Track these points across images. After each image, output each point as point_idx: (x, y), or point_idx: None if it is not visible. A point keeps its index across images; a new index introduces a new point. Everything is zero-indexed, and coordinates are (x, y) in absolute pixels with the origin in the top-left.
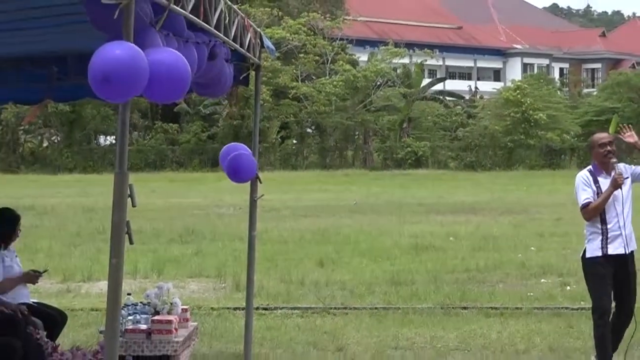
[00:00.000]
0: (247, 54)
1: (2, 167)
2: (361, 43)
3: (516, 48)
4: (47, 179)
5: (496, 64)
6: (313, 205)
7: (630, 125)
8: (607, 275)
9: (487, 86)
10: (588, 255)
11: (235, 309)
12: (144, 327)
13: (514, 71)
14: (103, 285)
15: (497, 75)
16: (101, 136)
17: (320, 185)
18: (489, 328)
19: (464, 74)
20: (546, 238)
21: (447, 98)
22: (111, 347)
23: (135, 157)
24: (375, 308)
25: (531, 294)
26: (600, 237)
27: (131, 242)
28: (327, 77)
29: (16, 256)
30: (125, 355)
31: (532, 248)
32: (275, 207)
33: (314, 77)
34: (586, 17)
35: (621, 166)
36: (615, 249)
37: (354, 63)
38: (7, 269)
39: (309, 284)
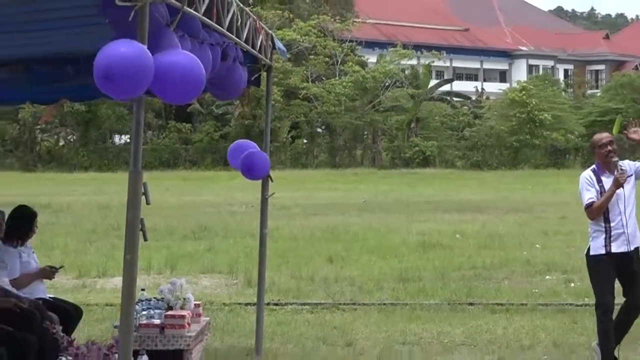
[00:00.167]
0: (259, 55)
1: (19, 165)
2: (370, 45)
3: (522, 50)
4: (63, 177)
5: (502, 65)
6: (323, 203)
7: (637, 121)
8: (611, 273)
9: (493, 87)
10: (592, 253)
11: (246, 304)
12: (157, 322)
13: (520, 72)
14: (118, 281)
15: (503, 76)
16: (116, 135)
17: (330, 183)
18: (495, 324)
19: (471, 75)
20: (551, 236)
21: (454, 99)
22: (126, 341)
23: (150, 156)
24: (384, 304)
25: (536, 290)
26: (604, 235)
27: (145, 239)
28: (337, 78)
29: (33, 252)
30: (139, 350)
31: (537, 246)
32: (286, 205)
33: (324, 78)
34: (590, 19)
35: (625, 163)
36: (618, 247)
37: (363, 64)
38: (24, 264)
39: (318, 280)
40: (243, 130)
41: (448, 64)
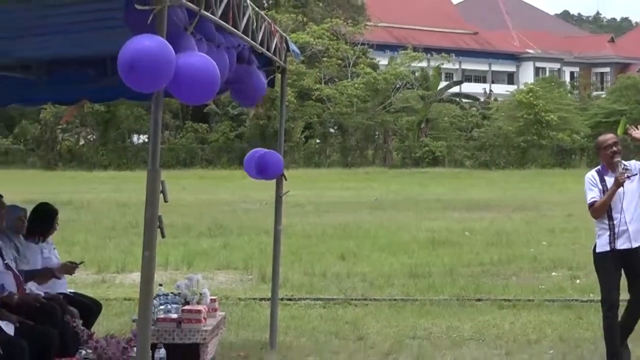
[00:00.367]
0: (274, 57)
1: (41, 164)
2: (381, 48)
3: (529, 53)
4: (83, 175)
5: (510, 67)
6: (335, 201)
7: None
8: (616, 269)
9: (501, 89)
10: (598, 250)
11: (261, 299)
12: (174, 316)
13: (527, 75)
14: (136, 276)
15: (510, 78)
16: (134, 135)
17: (342, 182)
18: (502, 319)
19: (479, 77)
20: (557, 234)
21: (463, 100)
22: (144, 335)
23: (167, 155)
24: (394, 299)
25: (542, 286)
26: (608, 233)
27: (163, 236)
28: (349, 79)
29: (54, 248)
30: (156, 343)
31: (544, 243)
32: (299, 203)
33: (336, 80)
34: (596, 23)
35: (631, 163)
36: (622, 243)
37: (375, 66)
38: (45, 260)
39: (331, 276)
40: (258, 131)
41: (457, 66)
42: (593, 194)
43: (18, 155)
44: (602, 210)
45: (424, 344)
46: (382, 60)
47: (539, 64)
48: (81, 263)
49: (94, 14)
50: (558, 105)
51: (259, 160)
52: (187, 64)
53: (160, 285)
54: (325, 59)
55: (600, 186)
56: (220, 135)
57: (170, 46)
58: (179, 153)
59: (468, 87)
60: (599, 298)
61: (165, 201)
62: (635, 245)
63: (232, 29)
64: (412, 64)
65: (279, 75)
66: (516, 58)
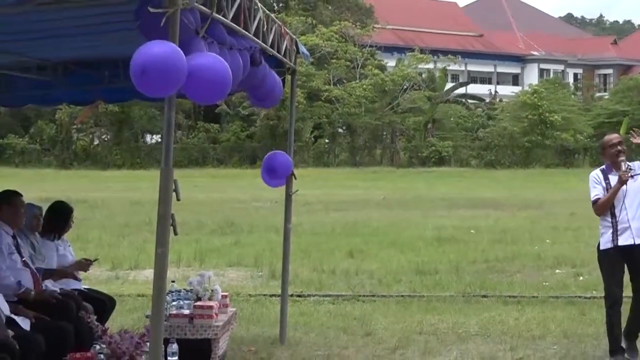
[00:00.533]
0: (284, 59)
1: (56, 163)
2: (389, 49)
3: (533, 55)
4: (98, 174)
5: (515, 69)
6: (344, 200)
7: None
8: (619, 266)
9: (506, 90)
10: (601, 247)
11: (271, 295)
12: (186, 312)
13: (531, 76)
14: (149, 273)
15: (515, 79)
16: (148, 135)
17: (351, 181)
18: (507, 315)
19: (485, 79)
20: (560, 231)
21: (469, 101)
22: (156, 330)
23: (180, 155)
24: (401, 296)
25: (546, 283)
26: (611, 230)
27: (175, 233)
28: (357, 81)
29: (69, 246)
30: (169, 338)
31: (548, 241)
32: (308, 201)
33: (345, 81)
34: (599, 26)
35: (636, 164)
36: (625, 240)
37: (383, 68)
38: (60, 257)
39: (339, 273)
40: (268, 131)
41: (463, 67)
42: (597, 192)
43: (34, 155)
44: (605, 208)
45: (431, 339)
46: (390, 62)
47: (543, 66)
48: (95, 260)
49: (108, 16)
50: (562, 106)
51: (268, 160)
52: (199, 64)
53: (173, 281)
54: (334, 60)
55: (604, 184)
56: (232, 135)
57: (181, 52)
58: (191, 152)
59: (474, 89)
60: (602, 295)
61: (178, 199)
62: (638, 241)
63: (244, 31)
64: (419, 66)
65: (289, 77)
66: (521, 60)
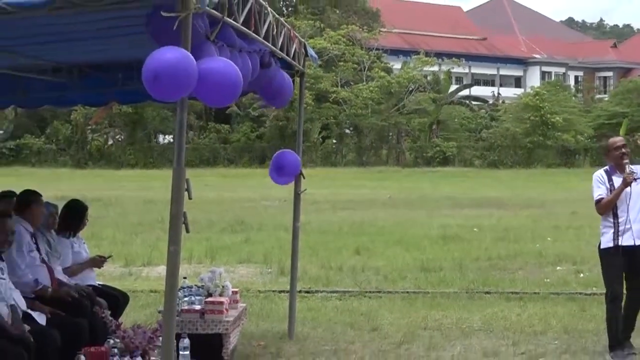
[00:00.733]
0: (293, 62)
1: (72, 163)
2: (395, 52)
3: (535, 58)
4: (112, 173)
5: (517, 72)
6: (351, 199)
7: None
8: (619, 264)
9: (508, 92)
10: (602, 246)
11: (280, 292)
12: (198, 307)
13: (533, 78)
14: (161, 269)
15: (518, 82)
16: (160, 135)
17: (357, 181)
18: (510, 311)
19: (488, 81)
20: (562, 230)
21: (473, 102)
22: (169, 325)
23: (191, 155)
24: (407, 292)
25: (548, 280)
26: (613, 230)
27: (187, 231)
28: (364, 83)
29: (84, 243)
30: (181, 333)
31: (549, 239)
32: (316, 200)
33: (352, 83)
34: (599, 29)
35: (638, 168)
36: (625, 240)
37: (389, 70)
38: (75, 254)
39: (346, 270)
40: (277, 131)
41: (467, 70)
42: (600, 192)
43: (50, 155)
44: (608, 208)
45: (435, 334)
46: (396, 65)
47: (545, 69)
48: (109, 257)
49: (121, 20)
50: (563, 107)
51: (277, 159)
52: (210, 68)
53: (185, 278)
54: (341, 63)
55: (607, 185)
56: (242, 136)
57: (192, 58)
58: (202, 152)
59: (477, 90)
60: (602, 291)
61: (190, 198)
62: (638, 242)
63: (254, 35)
64: (424, 68)
65: (297, 79)
66: (523, 63)
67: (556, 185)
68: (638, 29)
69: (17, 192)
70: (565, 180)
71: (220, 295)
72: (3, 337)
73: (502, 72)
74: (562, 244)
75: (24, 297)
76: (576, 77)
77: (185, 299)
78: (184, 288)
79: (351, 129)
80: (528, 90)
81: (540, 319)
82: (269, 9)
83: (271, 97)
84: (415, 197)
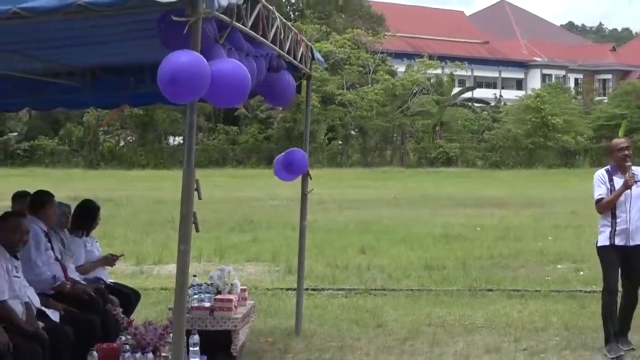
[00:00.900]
0: (300, 65)
1: (84, 163)
2: (399, 56)
3: (536, 61)
4: (123, 174)
5: (518, 74)
6: (356, 199)
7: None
8: (616, 261)
9: (510, 94)
10: (599, 244)
11: (287, 289)
12: (207, 305)
13: (534, 81)
14: (172, 268)
15: (519, 84)
16: (170, 137)
17: (362, 181)
18: (511, 308)
19: (490, 84)
20: (562, 229)
21: (475, 104)
22: (179, 322)
23: (201, 156)
24: (411, 290)
25: (549, 278)
26: (610, 229)
27: (197, 230)
28: (369, 85)
29: (96, 242)
30: (191, 330)
31: (550, 238)
32: (323, 200)
33: (357, 86)
34: (599, 33)
35: (638, 170)
36: (620, 240)
37: (393, 73)
38: (88, 253)
39: (352, 268)
40: (285, 133)
41: (469, 73)
42: (601, 191)
43: (63, 156)
44: (607, 208)
45: (439, 331)
46: (400, 68)
47: (545, 71)
48: (121, 255)
49: (133, 25)
50: (563, 109)
51: (286, 156)
52: (219, 70)
53: (194, 276)
54: (347, 66)
55: (608, 185)
56: (250, 137)
57: (205, 61)
58: (211, 153)
59: (479, 93)
60: (602, 289)
61: (199, 198)
62: (632, 243)
63: (262, 38)
64: (428, 71)
65: (304, 82)
66: (524, 65)
67: (556, 185)
68: (637, 33)
69: (31, 192)
70: (565, 180)
71: (229, 292)
72: (18, 333)
73: (504, 74)
74: (563, 243)
75: (41, 294)
76: (576, 80)
77: (195, 296)
78: (193, 286)
79: (356, 130)
80: (529, 92)
81: (541, 316)
82: (276, 13)
83: (273, 97)
84: (419, 196)
